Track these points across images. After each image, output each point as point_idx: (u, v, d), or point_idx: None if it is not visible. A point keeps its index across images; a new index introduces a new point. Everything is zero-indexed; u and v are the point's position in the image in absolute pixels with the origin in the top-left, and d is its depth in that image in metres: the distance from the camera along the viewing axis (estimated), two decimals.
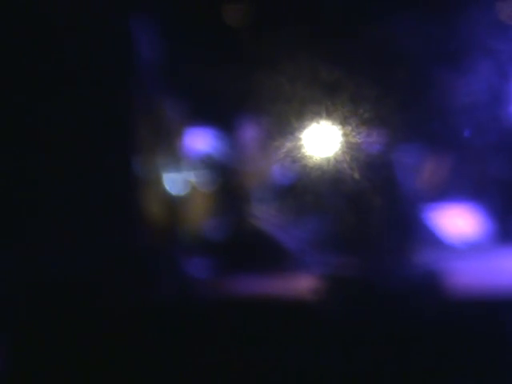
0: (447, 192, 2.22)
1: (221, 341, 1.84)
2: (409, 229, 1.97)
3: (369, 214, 1.94)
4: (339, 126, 1.72)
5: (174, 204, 2.22)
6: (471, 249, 2.13)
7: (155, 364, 1.79)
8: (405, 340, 1.70)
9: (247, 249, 2.11)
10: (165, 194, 2.20)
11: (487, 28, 1.65)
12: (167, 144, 2.22)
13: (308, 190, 2.02)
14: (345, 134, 1.72)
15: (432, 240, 2.05)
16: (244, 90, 2.00)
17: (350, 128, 1.73)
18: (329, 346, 1.75)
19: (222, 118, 2.32)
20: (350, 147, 1.74)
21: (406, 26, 1.69)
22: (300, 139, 1.77)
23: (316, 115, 1.74)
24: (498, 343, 1.59)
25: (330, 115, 1.71)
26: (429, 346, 1.69)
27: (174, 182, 2.24)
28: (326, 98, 1.70)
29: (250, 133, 2.38)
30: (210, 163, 2.31)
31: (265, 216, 2.22)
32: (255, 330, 1.83)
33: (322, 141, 1.74)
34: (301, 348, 1.78)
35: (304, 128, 1.76)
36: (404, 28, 1.70)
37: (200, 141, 2.34)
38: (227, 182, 2.31)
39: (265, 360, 1.79)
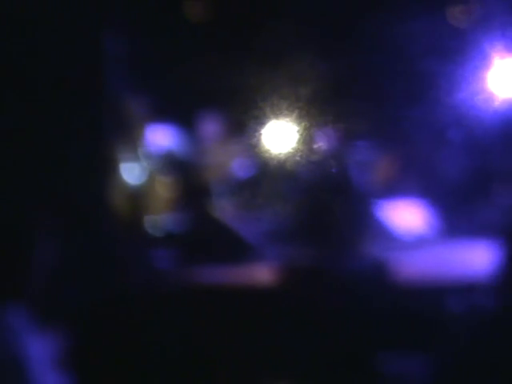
0: (398, 188, 2.30)
1: (183, 327, 1.89)
2: (361, 222, 2.05)
3: (324, 208, 2.01)
4: (297, 123, 1.75)
5: (137, 198, 2.26)
6: (419, 241, 2.23)
7: (121, 350, 1.83)
8: (356, 323, 1.78)
9: (208, 241, 2.17)
10: (128, 188, 2.24)
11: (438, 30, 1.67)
12: (131, 139, 2.27)
13: (266, 185, 2.08)
14: (302, 131, 1.75)
15: (383, 233, 2.14)
16: (205, 86, 2.04)
17: (307, 125, 1.76)
18: (286, 330, 1.81)
19: (183, 114, 2.37)
20: (307, 143, 1.78)
21: (367, 26, 1.71)
22: (259, 135, 1.80)
23: (275, 112, 1.76)
24: (440, 328, 1.68)
25: (288, 112, 1.73)
26: (377, 329, 1.77)
27: (138, 176, 2.28)
28: (285, 96, 1.72)
29: (210, 129, 2.44)
30: (172, 158, 2.36)
31: (225, 209, 2.28)
32: (216, 317, 1.88)
33: (280, 137, 1.76)
34: (260, 332, 1.84)
35: (263, 124, 1.78)
36: (363, 29, 1.71)
37: (163, 136, 2.39)
38: (189, 176, 2.36)
39: (226, 344, 1.85)
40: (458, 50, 1.65)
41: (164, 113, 2.38)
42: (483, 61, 1.63)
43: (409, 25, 1.63)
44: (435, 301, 1.72)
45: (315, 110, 1.72)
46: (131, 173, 2.26)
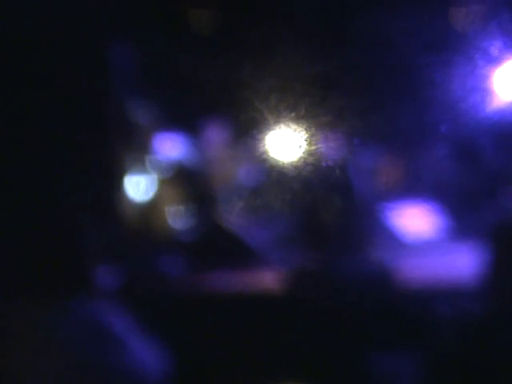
0: (403, 192, 2.30)
1: (193, 335, 1.91)
2: (366, 227, 2.06)
3: (330, 213, 2.02)
4: (302, 129, 1.76)
5: (145, 206, 2.28)
6: (425, 246, 2.23)
7: (129, 357, 1.84)
8: (361, 328, 1.79)
9: (216, 247, 2.18)
10: (136, 196, 2.26)
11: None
12: (138, 148, 2.29)
13: (272, 191, 2.09)
14: (307, 137, 1.76)
15: (388, 237, 2.14)
16: (212, 93, 2.05)
17: (312, 130, 1.77)
18: (293, 335, 1.82)
19: (190, 122, 2.38)
20: (312, 149, 1.79)
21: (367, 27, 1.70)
22: (265, 142, 1.81)
23: (280, 118, 1.77)
24: (447, 334, 1.68)
25: (293, 118, 1.74)
26: (381, 333, 1.79)
27: (145, 184, 2.30)
28: (289, 102, 1.73)
29: (217, 136, 2.45)
30: (179, 166, 2.37)
31: (232, 216, 2.29)
32: (225, 323, 1.90)
33: (285, 143, 1.77)
34: (268, 337, 1.85)
35: (269, 131, 1.80)
36: (365, 29, 1.71)
37: (169, 144, 2.41)
38: (196, 183, 2.38)
39: (236, 351, 1.87)
40: (462, 50, 1.64)
41: (170, 121, 2.40)
42: (488, 60, 1.63)
43: (412, 22, 1.63)
44: (439, 304, 1.73)
45: (320, 118, 1.73)
46: (140, 183, 2.28)
